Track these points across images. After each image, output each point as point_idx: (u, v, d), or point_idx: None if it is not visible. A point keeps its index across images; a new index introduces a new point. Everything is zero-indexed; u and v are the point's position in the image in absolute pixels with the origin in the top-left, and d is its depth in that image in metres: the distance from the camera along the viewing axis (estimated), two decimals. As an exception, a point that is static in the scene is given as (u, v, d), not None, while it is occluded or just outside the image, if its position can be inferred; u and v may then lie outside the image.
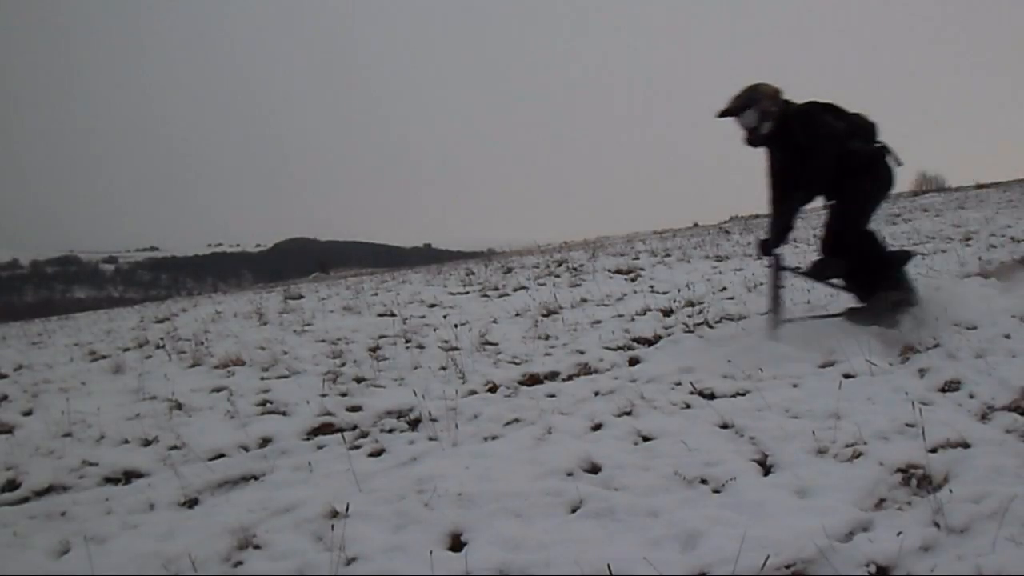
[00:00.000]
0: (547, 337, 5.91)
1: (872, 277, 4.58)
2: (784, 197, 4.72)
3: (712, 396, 3.95)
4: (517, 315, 7.08)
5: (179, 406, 4.66)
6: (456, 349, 5.78)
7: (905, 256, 4.81)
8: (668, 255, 11.07)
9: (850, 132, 4.51)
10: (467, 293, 9.24)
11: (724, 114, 4.65)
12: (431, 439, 3.68)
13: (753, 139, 4.66)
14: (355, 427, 4.06)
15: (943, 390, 3.61)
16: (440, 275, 12.57)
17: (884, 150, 4.59)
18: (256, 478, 3.42)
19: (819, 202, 4.89)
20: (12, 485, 3.57)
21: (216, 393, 4.99)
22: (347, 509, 2.80)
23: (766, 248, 4.78)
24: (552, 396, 4.27)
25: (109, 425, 4.33)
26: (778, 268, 4.72)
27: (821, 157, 4.41)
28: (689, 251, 11.33)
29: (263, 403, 4.65)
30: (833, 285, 4.98)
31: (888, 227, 11.69)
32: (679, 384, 4.14)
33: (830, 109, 4.58)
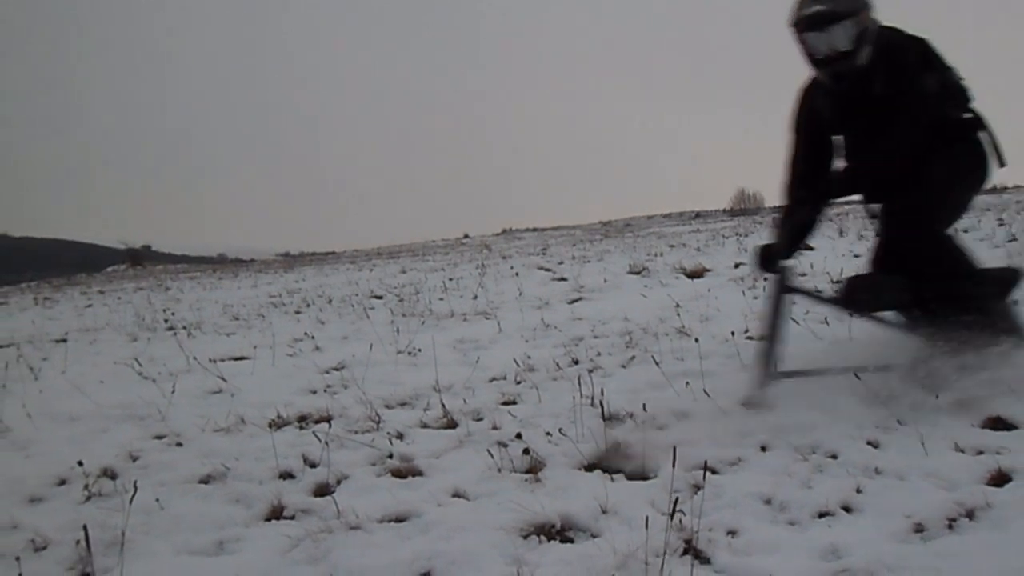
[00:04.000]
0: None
1: (953, 305, 2.58)
2: (816, 178, 2.80)
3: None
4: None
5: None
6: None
7: (1011, 276, 2.82)
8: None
9: (945, 92, 2.67)
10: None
11: (801, 24, 2.58)
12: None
13: (839, 74, 2.59)
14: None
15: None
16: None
17: (979, 122, 2.71)
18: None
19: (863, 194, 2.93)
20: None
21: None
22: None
23: (769, 259, 2.79)
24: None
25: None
26: (783, 290, 2.71)
27: (910, 126, 2.58)
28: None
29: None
30: (881, 319, 2.80)
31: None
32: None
33: (917, 50, 2.66)
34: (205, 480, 2.34)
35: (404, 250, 20.01)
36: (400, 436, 2.65)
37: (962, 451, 2.06)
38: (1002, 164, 2.71)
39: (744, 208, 29.53)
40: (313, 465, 2.39)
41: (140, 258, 33.48)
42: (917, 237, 2.64)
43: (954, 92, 2.69)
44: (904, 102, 2.56)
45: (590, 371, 3.39)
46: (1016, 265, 2.99)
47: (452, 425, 2.77)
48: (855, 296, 2.76)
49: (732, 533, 1.72)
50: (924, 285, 2.63)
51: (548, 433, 2.50)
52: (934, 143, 2.64)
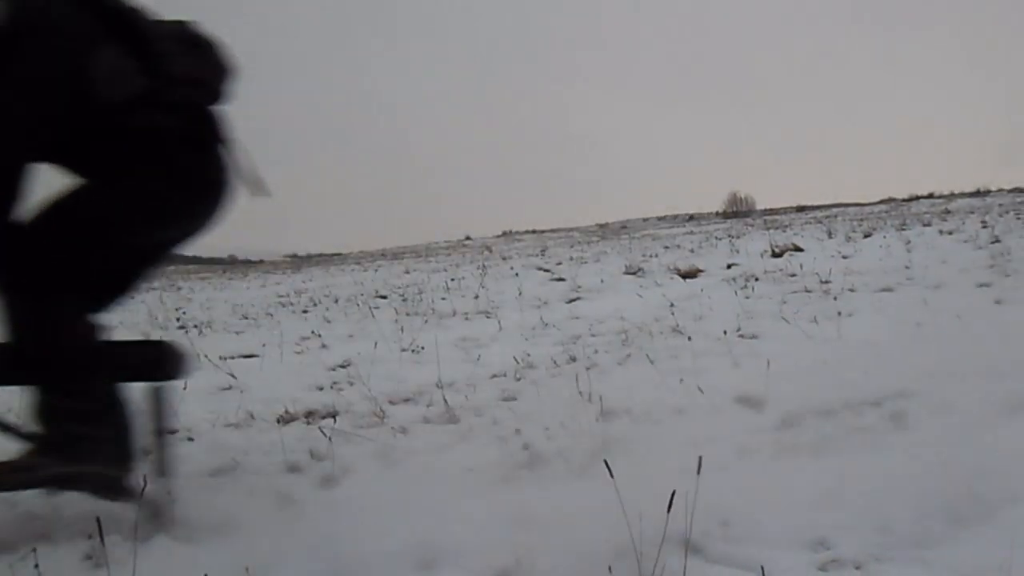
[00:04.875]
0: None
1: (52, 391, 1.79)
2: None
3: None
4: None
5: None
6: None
7: (152, 354, 2.00)
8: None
9: (154, 90, 1.65)
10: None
11: None
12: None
13: None
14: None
15: None
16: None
17: (214, 145, 1.82)
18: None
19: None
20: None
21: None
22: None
23: None
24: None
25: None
26: None
27: None
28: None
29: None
30: None
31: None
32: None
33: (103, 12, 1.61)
34: (216, 473, 2.33)
35: (408, 251, 20.17)
36: (404, 431, 2.65)
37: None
38: (261, 193, 1.88)
39: (736, 211, 29.72)
40: (320, 459, 2.39)
41: (152, 259, 33.41)
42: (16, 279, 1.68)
43: (163, 87, 1.66)
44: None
45: (587, 368, 3.39)
46: (170, 342, 2.01)
47: (454, 420, 2.77)
48: None
49: (725, 524, 1.71)
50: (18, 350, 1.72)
51: (547, 428, 2.50)
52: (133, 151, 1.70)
